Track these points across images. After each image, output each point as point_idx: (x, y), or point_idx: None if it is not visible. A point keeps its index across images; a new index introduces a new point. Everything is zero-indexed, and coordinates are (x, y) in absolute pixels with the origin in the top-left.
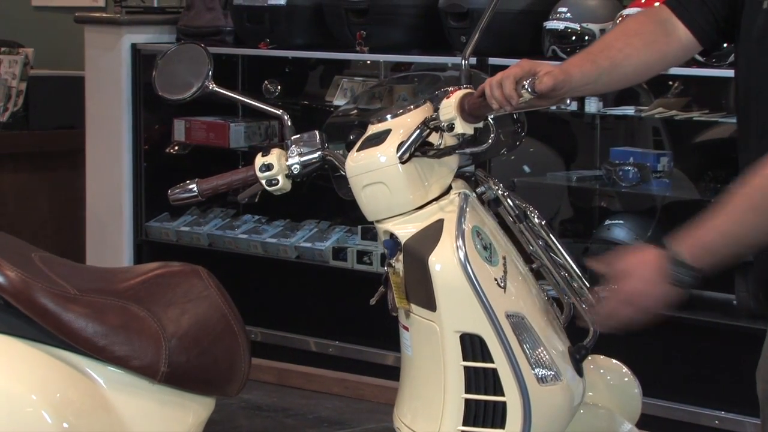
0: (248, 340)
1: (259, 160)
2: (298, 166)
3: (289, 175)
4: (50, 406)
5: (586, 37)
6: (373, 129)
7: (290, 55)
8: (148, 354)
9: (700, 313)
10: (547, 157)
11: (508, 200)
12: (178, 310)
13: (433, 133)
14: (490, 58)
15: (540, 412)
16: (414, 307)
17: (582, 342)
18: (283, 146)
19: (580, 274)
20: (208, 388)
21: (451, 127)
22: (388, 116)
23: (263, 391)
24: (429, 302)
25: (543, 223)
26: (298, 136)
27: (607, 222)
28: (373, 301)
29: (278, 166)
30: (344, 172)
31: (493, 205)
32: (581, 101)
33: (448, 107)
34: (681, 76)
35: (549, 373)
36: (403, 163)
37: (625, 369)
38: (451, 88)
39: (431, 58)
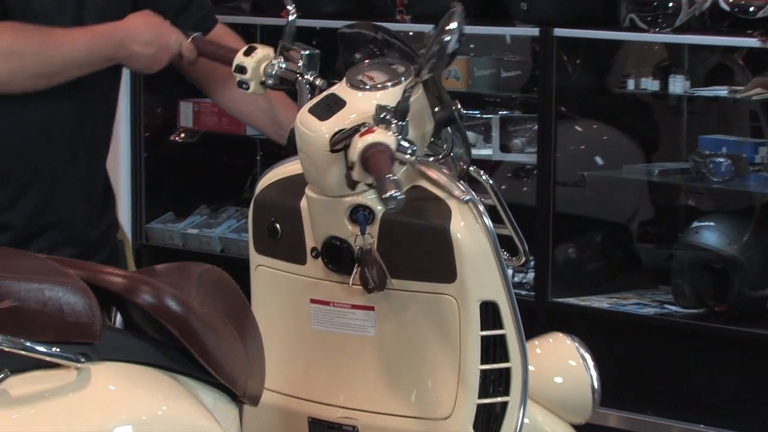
0: None
1: (239, 57)
2: (272, 79)
3: (263, 82)
4: None
5: (670, 4)
6: (337, 90)
7: (318, 25)
8: (243, 372)
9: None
10: (623, 146)
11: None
12: (234, 317)
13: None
14: (555, 29)
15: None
16: (400, 282)
17: None
18: (276, 45)
19: (520, 234)
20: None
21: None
22: (368, 84)
23: None
24: (444, 274)
25: (490, 182)
26: (299, 45)
27: (696, 224)
28: (351, 283)
29: (252, 71)
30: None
31: None
32: (664, 80)
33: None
34: None
35: None
36: (333, 152)
37: (578, 347)
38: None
39: (484, 29)
